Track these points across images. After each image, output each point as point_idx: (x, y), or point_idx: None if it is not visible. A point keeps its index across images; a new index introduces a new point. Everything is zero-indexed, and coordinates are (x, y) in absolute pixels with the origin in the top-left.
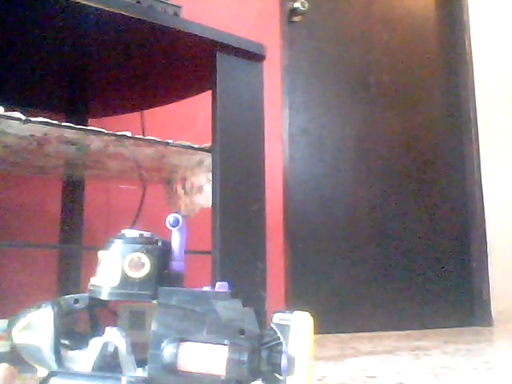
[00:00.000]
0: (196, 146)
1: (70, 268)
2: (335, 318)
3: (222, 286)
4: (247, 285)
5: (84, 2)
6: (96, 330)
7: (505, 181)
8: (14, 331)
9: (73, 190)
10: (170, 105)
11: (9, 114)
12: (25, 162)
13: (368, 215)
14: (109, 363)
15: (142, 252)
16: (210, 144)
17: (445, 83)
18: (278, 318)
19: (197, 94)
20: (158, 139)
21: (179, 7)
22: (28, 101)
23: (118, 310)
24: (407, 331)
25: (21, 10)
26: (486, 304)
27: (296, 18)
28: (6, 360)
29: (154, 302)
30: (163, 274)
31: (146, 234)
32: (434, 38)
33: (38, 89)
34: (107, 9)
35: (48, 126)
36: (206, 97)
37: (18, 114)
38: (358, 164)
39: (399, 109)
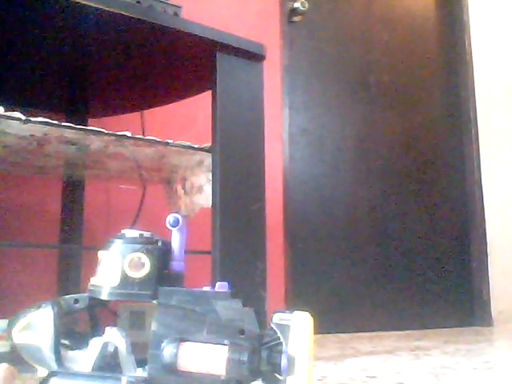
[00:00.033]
0: (196, 146)
1: (70, 268)
2: (335, 318)
3: (221, 286)
4: (247, 285)
5: (84, 2)
6: (96, 330)
7: (505, 181)
8: (14, 331)
9: (73, 190)
10: (170, 105)
11: (9, 113)
12: (25, 162)
13: (368, 215)
14: (109, 363)
15: (142, 252)
16: (210, 144)
17: (445, 83)
18: (278, 318)
19: (197, 93)
20: (158, 139)
21: (179, 7)
22: (28, 101)
23: (118, 310)
24: (407, 331)
25: (21, 9)
26: (486, 304)
27: (296, 18)
28: (6, 360)
29: (154, 302)
30: (163, 274)
31: (146, 234)
32: (434, 37)
33: (38, 89)
34: (107, 9)
35: (48, 126)
36: (206, 97)
37: (18, 114)
38: (358, 164)
39: (399, 109)
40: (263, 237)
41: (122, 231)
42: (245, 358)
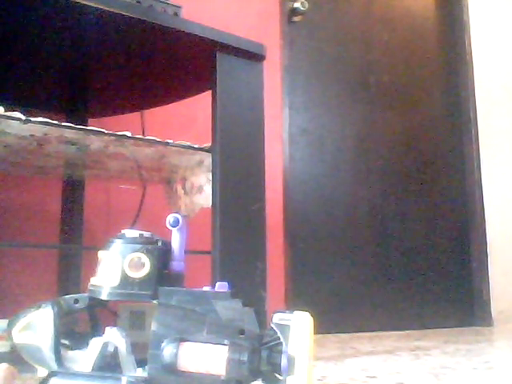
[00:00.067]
0: (196, 146)
1: (70, 268)
2: (335, 318)
3: (221, 286)
4: (247, 285)
5: (84, 2)
6: (96, 329)
7: (505, 181)
8: (14, 331)
9: (73, 190)
10: (170, 105)
11: (9, 113)
12: (25, 162)
13: (368, 215)
14: (109, 363)
15: (142, 252)
16: (210, 144)
17: (445, 83)
18: (278, 318)
19: (197, 93)
20: (158, 139)
21: (179, 7)
22: (28, 101)
23: (118, 310)
24: (407, 331)
25: (21, 9)
26: (486, 304)
27: (296, 18)
28: (6, 360)
29: (154, 302)
30: (163, 274)
31: (146, 234)
32: (434, 37)
33: (38, 89)
34: (107, 9)
35: (48, 126)
36: (206, 97)
37: (18, 114)
38: (358, 164)
39: (399, 109)
40: (263, 237)
41: (122, 231)
42: (245, 358)
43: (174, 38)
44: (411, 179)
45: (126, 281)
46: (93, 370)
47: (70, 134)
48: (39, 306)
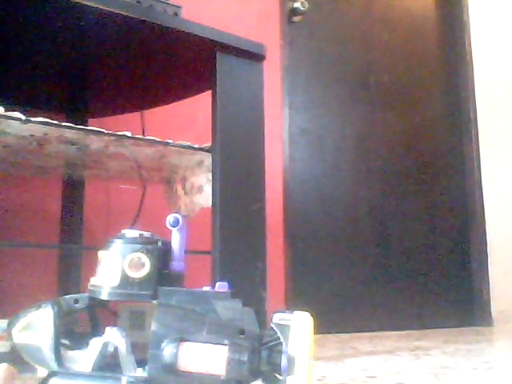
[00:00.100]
0: (196, 146)
1: (70, 268)
2: (335, 318)
3: (221, 286)
4: (247, 285)
5: (84, 2)
6: (96, 329)
7: (505, 181)
8: (14, 331)
9: (73, 190)
10: (170, 105)
11: (9, 113)
12: (25, 162)
13: (368, 215)
14: (109, 363)
15: (142, 252)
16: (210, 144)
17: (445, 83)
18: (278, 318)
19: (197, 93)
20: (158, 139)
21: (179, 7)
22: (28, 101)
23: (118, 310)
24: (407, 331)
25: (21, 10)
26: (486, 304)
27: (296, 18)
28: (6, 360)
29: (154, 302)
30: (163, 274)
31: (146, 233)
32: (434, 37)
33: (38, 89)
34: (107, 9)
35: (48, 126)
36: (206, 97)
37: (18, 114)
38: (358, 164)
39: (399, 109)
40: (263, 237)
41: (122, 231)
42: (245, 358)
43: (174, 38)
44: (411, 179)
45: (125, 281)
46: (93, 369)
47: (70, 134)
48: (39, 306)
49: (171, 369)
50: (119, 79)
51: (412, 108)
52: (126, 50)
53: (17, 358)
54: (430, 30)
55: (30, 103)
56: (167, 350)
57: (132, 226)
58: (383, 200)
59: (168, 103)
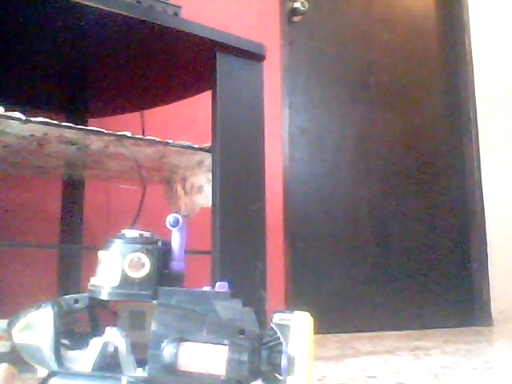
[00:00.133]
0: (196, 146)
1: (70, 268)
2: (335, 318)
3: (221, 286)
4: (247, 285)
5: (84, 2)
6: (96, 329)
7: (505, 181)
8: (14, 331)
9: (73, 190)
10: (170, 105)
11: (9, 114)
12: (25, 162)
13: (368, 215)
14: (109, 363)
15: (142, 252)
16: (210, 144)
17: (445, 83)
18: (278, 318)
19: (197, 93)
20: (158, 139)
21: (179, 7)
22: (28, 101)
23: (118, 310)
24: (407, 331)
25: (21, 10)
26: (486, 304)
27: (296, 18)
28: (6, 360)
29: (154, 302)
30: (163, 274)
31: (146, 233)
32: (434, 37)
33: (38, 89)
34: (107, 9)
35: (48, 126)
36: (206, 97)
37: (18, 114)
38: (358, 164)
39: (399, 109)
40: (263, 237)
41: (122, 231)
42: (245, 358)
43: (174, 38)
44: (411, 179)
45: (126, 281)
46: (93, 369)
47: (70, 134)
48: (39, 306)
49: (171, 369)
50: (119, 79)
51: (412, 108)
52: (126, 50)
53: (17, 358)
54: (430, 30)
55: (30, 103)
56: (167, 350)
57: (132, 226)
58: (383, 200)
59: (168, 103)
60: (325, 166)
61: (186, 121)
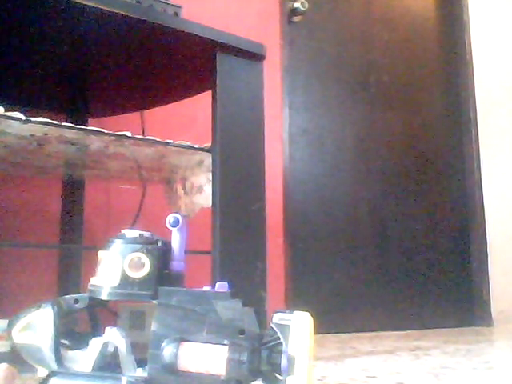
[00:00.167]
0: (196, 146)
1: (70, 268)
2: (335, 318)
3: (221, 286)
4: (247, 285)
5: (84, 2)
6: (96, 329)
7: (505, 181)
8: (14, 331)
9: (73, 190)
10: (170, 105)
11: (9, 113)
12: (25, 162)
13: (368, 215)
14: (109, 363)
15: (142, 252)
16: (210, 144)
17: (445, 83)
18: (278, 318)
19: (197, 94)
20: (158, 139)
21: (179, 7)
22: (28, 101)
23: (118, 310)
24: (407, 331)
25: (21, 10)
26: (486, 304)
27: (296, 18)
28: (6, 360)
29: (154, 302)
30: (163, 274)
31: (146, 233)
32: (434, 37)
33: (38, 89)
34: (107, 9)
35: (48, 126)
36: (206, 97)
37: (18, 114)
38: (358, 164)
39: (399, 109)
40: (263, 237)
41: (122, 231)
42: (245, 357)
43: (174, 38)
44: (411, 179)
45: (126, 281)
46: (93, 369)
47: (70, 133)
48: (39, 306)
49: (171, 369)
50: (119, 79)
51: (412, 108)
52: (125, 50)
53: (17, 358)
54: (430, 30)
55: (30, 103)
56: (167, 350)
57: (132, 226)
58: (383, 200)
59: (168, 103)
60: (325, 165)
61: (186, 121)
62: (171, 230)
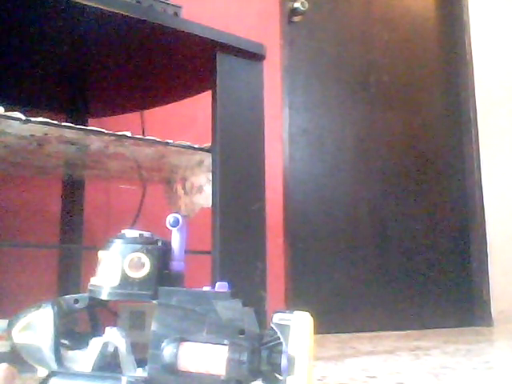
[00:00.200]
0: (196, 146)
1: (70, 268)
2: (335, 318)
3: (221, 286)
4: (247, 285)
5: (84, 2)
6: (96, 329)
7: (505, 181)
8: (14, 331)
9: (73, 190)
10: (170, 105)
11: (9, 113)
12: (25, 162)
13: (368, 215)
14: (109, 363)
15: (142, 252)
16: (210, 144)
17: (445, 83)
18: (278, 318)
19: (197, 94)
20: (158, 139)
21: (179, 7)
22: (28, 101)
23: (118, 310)
24: (407, 331)
25: (21, 9)
26: (485, 304)
27: (296, 18)
28: (6, 360)
29: (154, 302)
30: (163, 274)
31: (146, 233)
32: (434, 37)
33: (38, 89)
34: (107, 9)
35: (48, 126)
36: (206, 97)
37: (18, 114)
38: (358, 164)
39: (399, 109)
40: (263, 237)
41: (122, 231)
42: (245, 357)
43: (174, 38)
44: (411, 179)
45: (125, 281)
46: (93, 369)
47: (70, 133)
48: (39, 306)
49: (171, 369)
50: (119, 79)
51: (412, 108)
52: (126, 50)
53: (17, 358)
54: (430, 30)
55: (30, 103)
56: (167, 350)
57: (132, 226)
58: (383, 200)
59: (168, 103)
60: (325, 166)
61: (186, 121)
62: (171, 230)
